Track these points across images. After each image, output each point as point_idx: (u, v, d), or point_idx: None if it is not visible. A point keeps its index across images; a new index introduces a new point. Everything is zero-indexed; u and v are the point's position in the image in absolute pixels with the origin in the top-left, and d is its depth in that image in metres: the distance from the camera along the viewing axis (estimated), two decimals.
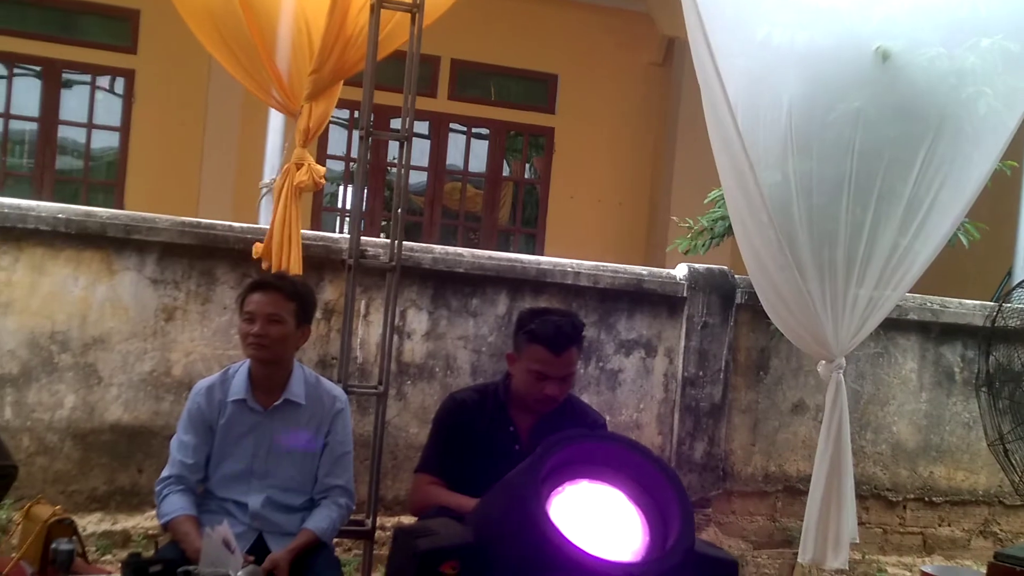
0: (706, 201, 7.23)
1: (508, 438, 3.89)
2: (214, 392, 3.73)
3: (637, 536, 3.15)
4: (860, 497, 6.29)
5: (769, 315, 5.08)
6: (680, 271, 6.61)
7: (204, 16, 5.47)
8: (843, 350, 4.81)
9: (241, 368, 3.76)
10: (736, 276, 6.62)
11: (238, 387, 3.71)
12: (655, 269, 6.80)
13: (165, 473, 3.75)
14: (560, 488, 3.17)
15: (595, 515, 3.16)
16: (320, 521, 3.66)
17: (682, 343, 6.54)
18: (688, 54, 4.84)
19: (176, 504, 3.64)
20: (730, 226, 5.60)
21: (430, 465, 3.96)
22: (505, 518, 3.16)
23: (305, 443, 3.71)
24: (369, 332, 6.08)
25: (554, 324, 3.83)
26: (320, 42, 5.16)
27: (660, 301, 6.58)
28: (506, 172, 12.23)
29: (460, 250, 6.48)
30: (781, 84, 4.65)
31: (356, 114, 10.80)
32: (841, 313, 4.70)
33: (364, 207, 4.96)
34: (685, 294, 6.53)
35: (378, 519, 5.17)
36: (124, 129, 10.66)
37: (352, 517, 4.28)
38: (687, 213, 7.57)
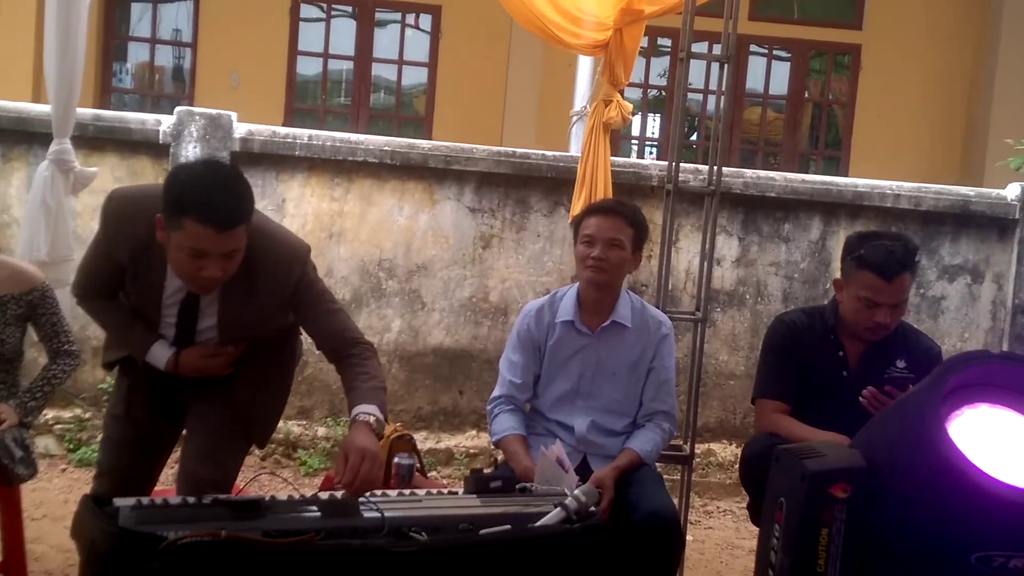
0: None
1: (837, 363, 3.76)
2: (543, 314, 3.79)
3: None
4: None
5: None
6: (1012, 191, 6.17)
7: None
8: None
9: (570, 291, 3.80)
10: None
11: (566, 309, 3.75)
12: (983, 190, 6.40)
13: (496, 393, 3.86)
14: (959, 411, 3.01)
15: (996, 440, 2.97)
16: (644, 443, 3.67)
17: (1013, 268, 6.14)
18: None
19: (506, 423, 3.74)
20: None
21: (770, 389, 3.85)
22: (901, 440, 3.03)
23: (630, 365, 3.72)
24: (678, 259, 6.07)
25: (885, 249, 3.64)
26: None
27: (988, 223, 6.19)
28: (806, 94, 11.78)
29: (772, 174, 6.32)
30: None
31: (654, 40, 10.78)
32: None
33: (670, 134, 4.89)
34: (1017, 215, 6.10)
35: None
36: (432, 65, 11.03)
37: (671, 441, 4.31)
38: (1010, 132, 7.04)
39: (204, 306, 3.03)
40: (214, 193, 2.71)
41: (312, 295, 3.05)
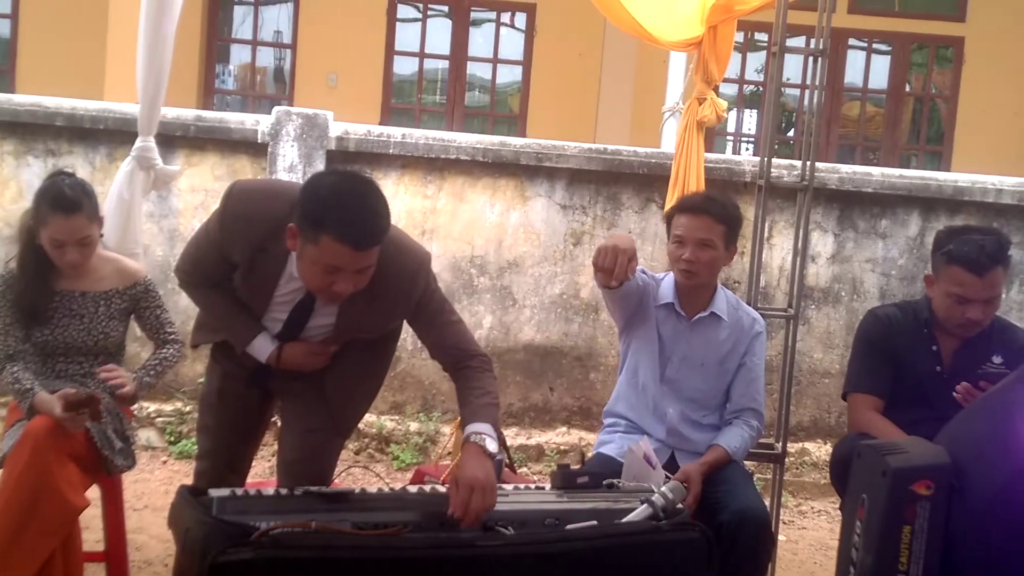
0: None
1: (930, 359, 3.69)
2: (652, 287, 3.77)
3: None
4: None
5: None
6: None
7: None
8: None
9: (668, 276, 3.77)
10: None
11: (666, 292, 3.72)
12: None
13: None
14: None
15: None
16: (732, 440, 3.65)
17: None
18: None
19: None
20: None
21: (863, 383, 3.78)
22: (987, 437, 2.97)
23: (719, 359, 3.69)
24: (771, 255, 6.01)
25: (975, 244, 3.55)
26: None
27: None
28: (907, 88, 11.54)
29: (869, 169, 6.22)
30: None
31: (752, 35, 10.67)
32: None
33: (765, 128, 4.84)
34: None
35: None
36: (526, 63, 11.08)
37: (760, 440, 4.26)
38: None
39: (320, 307, 3.04)
40: (355, 212, 2.69)
41: (433, 306, 3.05)
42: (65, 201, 3.44)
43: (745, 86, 11.31)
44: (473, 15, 11.12)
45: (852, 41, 11.16)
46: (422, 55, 11.16)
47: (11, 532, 3.10)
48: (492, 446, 2.83)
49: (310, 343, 3.13)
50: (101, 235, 3.69)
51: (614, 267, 3.24)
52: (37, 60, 10.28)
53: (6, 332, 3.48)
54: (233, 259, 3.00)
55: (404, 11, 11.09)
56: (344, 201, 2.71)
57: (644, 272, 3.74)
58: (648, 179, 5.92)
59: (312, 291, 2.92)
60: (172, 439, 5.70)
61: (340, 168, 5.32)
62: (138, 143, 4.53)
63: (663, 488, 2.94)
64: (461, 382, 3.02)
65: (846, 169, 6.14)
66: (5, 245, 5.57)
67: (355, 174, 2.95)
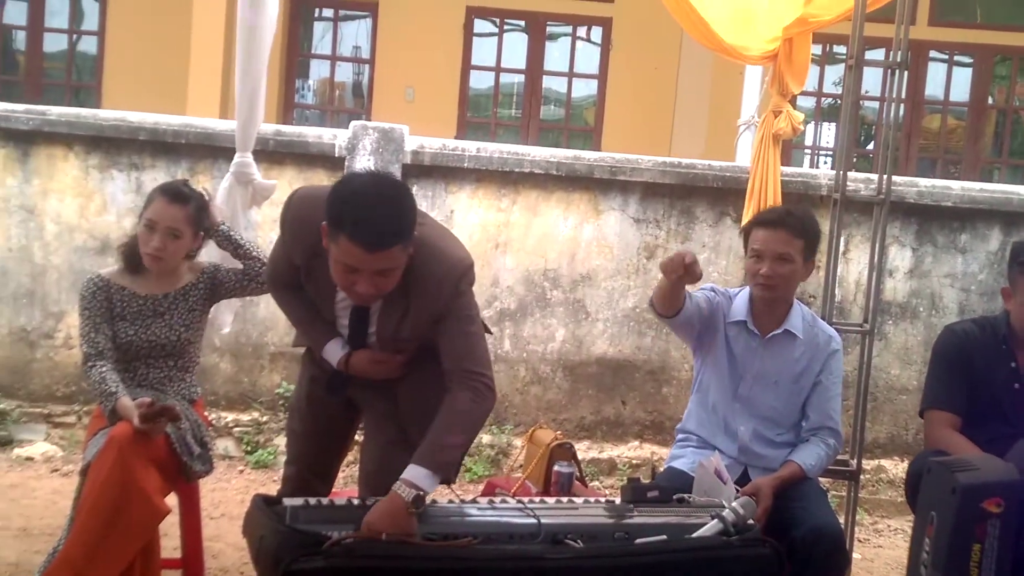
0: None
1: (1009, 375, 3.62)
2: (722, 305, 3.76)
3: None
4: None
5: None
6: None
7: None
8: None
9: (742, 292, 3.75)
10: None
11: (739, 309, 3.70)
12: None
13: None
14: None
15: None
16: (807, 457, 3.60)
17: None
18: None
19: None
20: None
21: (940, 400, 3.73)
22: None
23: (793, 376, 3.65)
24: (848, 270, 5.94)
25: None
26: None
27: None
28: (989, 100, 11.32)
29: (948, 183, 6.13)
30: None
31: (828, 48, 10.56)
32: None
33: (841, 141, 4.79)
34: None
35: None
36: (602, 77, 11.08)
37: (836, 458, 4.22)
38: None
39: (371, 313, 3.07)
40: (370, 212, 2.70)
41: (455, 311, 2.98)
42: (173, 189, 3.66)
43: (823, 99, 11.21)
44: (549, 29, 11.16)
45: (933, 53, 10.99)
46: (498, 69, 11.24)
47: (97, 535, 3.17)
48: (414, 503, 2.69)
49: (373, 351, 3.14)
50: (195, 251, 3.78)
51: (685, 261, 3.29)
52: (122, 76, 10.55)
53: (96, 330, 3.57)
54: (297, 263, 3.06)
55: (481, 25, 11.18)
56: (361, 202, 2.73)
57: (714, 290, 3.73)
58: (722, 193, 5.89)
59: (342, 291, 2.95)
60: (249, 449, 5.79)
61: (373, 170, 5.39)
62: (236, 159, 4.63)
63: (734, 503, 2.93)
64: (445, 403, 2.92)
65: (925, 183, 6.05)
66: (91, 257, 5.72)
67: (383, 175, 2.96)
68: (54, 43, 11.17)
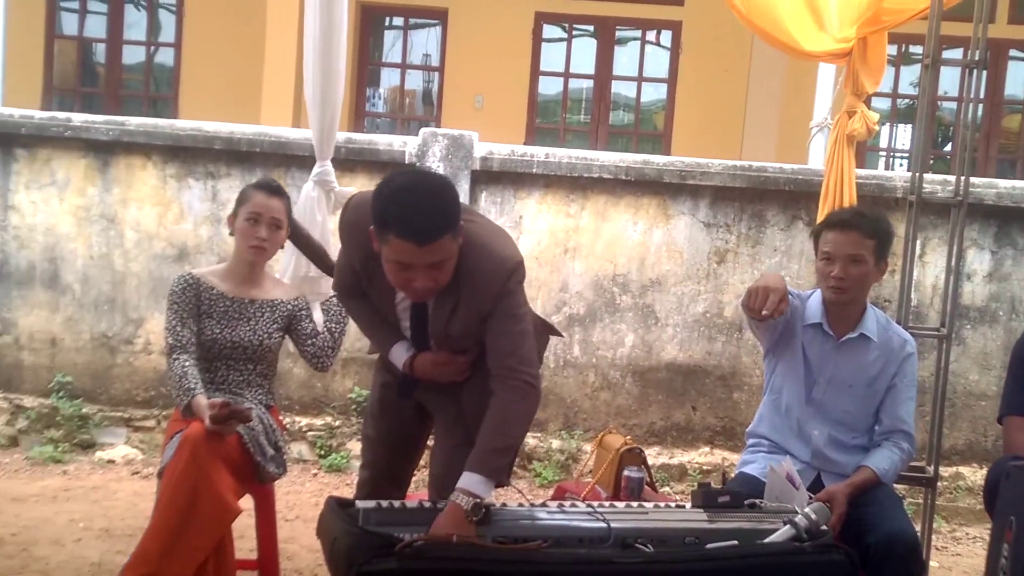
0: None
1: None
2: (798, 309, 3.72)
3: None
4: None
5: None
6: None
7: None
8: None
9: (815, 294, 3.70)
10: None
11: (813, 312, 3.66)
12: None
13: None
14: None
15: None
16: (881, 461, 3.55)
17: None
18: None
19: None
20: None
21: (1019, 405, 3.64)
22: None
23: (867, 380, 3.60)
24: (924, 273, 5.85)
25: None
26: None
27: None
28: None
29: None
30: None
31: (904, 48, 10.40)
32: None
33: (917, 142, 4.72)
34: None
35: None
36: (671, 80, 11.03)
37: (912, 463, 4.15)
38: None
39: (431, 313, 3.08)
40: (415, 207, 2.72)
41: (502, 309, 2.97)
42: (269, 183, 3.80)
43: (899, 100, 11.04)
44: (618, 34, 11.14)
45: (1013, 52, 10.76)
46: (567, 75, 11.23)
47: (172, 532, 3.22)
48: (473, 505, 2.71)
49: (439, 353, 3.15)
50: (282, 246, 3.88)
51: (764, 307, 3.26)
52: (198, 87, 10.75)
53: (182, 324, 3.64)
54: (357, 269, 3.10)
55: (550, 31, 11.19)
56: (403, 198, 2.74)
57: (790, 293, 3.69)
58: (794, 196, 5.84)
59: (400, 290, 2.96)
60: (322, 452, 5.86)
61: (412, 168, 5.45)
62: (317, 168, 4.69)
63: (806, 509, 2.89)
64: (491, 406, 2.93)
65: (1004, 184, 5.94)
66: (170, 264, 5.83)
67: (422, 171, 2.97)
68: (132, 55, 11.41)
